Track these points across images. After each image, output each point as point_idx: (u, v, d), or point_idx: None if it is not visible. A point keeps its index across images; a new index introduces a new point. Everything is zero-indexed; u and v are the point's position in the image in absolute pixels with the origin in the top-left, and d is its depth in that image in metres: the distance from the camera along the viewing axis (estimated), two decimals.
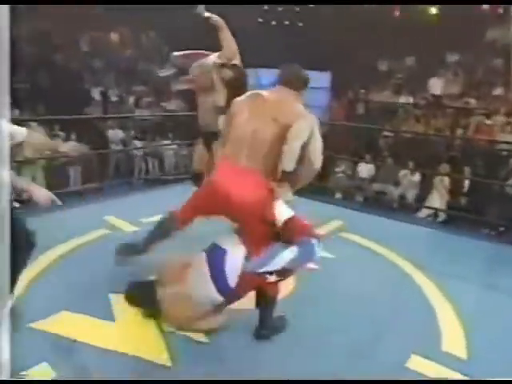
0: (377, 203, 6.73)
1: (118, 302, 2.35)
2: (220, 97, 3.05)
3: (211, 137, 3.29)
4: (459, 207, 6.02)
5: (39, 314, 2.20)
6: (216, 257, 2.02)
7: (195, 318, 2.05)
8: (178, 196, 3.82)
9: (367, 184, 7.14)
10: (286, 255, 1.87)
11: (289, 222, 1.90)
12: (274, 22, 10.00)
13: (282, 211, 1.92)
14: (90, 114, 7.45)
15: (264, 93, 2.11)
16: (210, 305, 2.03)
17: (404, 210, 6.58)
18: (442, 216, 6.26)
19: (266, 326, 2.13)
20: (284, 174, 1.94)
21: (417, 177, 6.70)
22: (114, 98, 8.19)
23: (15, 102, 6.93)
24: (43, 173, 6.27)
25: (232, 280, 1.93)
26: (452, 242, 3.81)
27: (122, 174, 7.10)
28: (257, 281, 1.94)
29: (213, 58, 3.10)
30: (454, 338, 2.25)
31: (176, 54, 3.43)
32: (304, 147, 1.96)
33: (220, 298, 1.99)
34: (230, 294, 1.98)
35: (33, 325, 2.12)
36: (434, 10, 8.79)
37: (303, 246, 1.89)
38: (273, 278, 1.92)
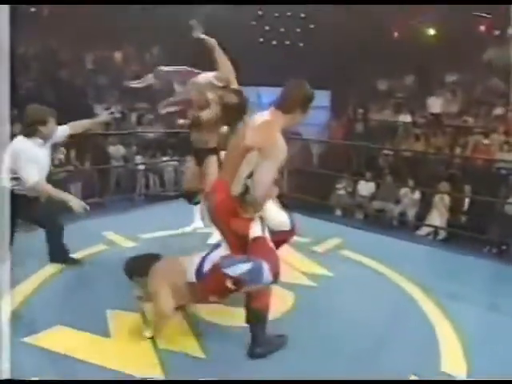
0: (377, 221, 6.73)
1: (114, 318, 2.35)
2: (217, 116, 3.14)
3: (202, 153, 3.39)
4: (459, 225, 6.02)
5: (35, 328, 2.19)
6: (212, 249, 2.26)
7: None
8: (177, 212, 3.88)
9: (367, 202, 7.16)
10: (242, 266, 1.98)
11: (256, 239, 2.07)
12: (274, 42, 10.19)
13: (254, 230, 2.09)
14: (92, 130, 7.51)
15: (257, 116, 2.16)
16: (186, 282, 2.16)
17: (404, 227, 6.58)
18: (442, 234, 6.25)
19: (259, 343, 2.14)
20: (236, 197, 2.03)
21: (417, 195, 6.72)
22: (116, 115, 8.28)
23: (18, 116, 7.03)
24: None
25: (207, 267, 2.13)
26: (452, 260, 3.79)
27: (122, 189, 7.14)
28: (220, 278, 2.03)
29: (206, 77, 3.15)
30: (453, 358, 2.23)
31: (163, 68, 3.45)
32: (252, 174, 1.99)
33: (194, 280, 2.15)
34: (201, 279, 2.13)
35: (27, 339, 2.11)
36: (432, 31, 8.98)
37: (254, 265, 1.98)
38: (229, 283, 2.01)
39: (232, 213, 2.06)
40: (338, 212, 7.25)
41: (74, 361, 2.01)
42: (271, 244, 2.12)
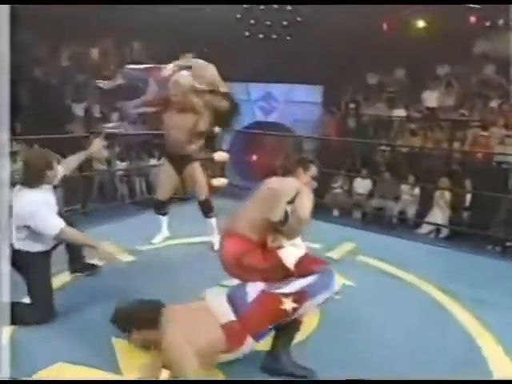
0: (375, 220, 6.61)
1: (122, 347, 2.08)
2: (203, 122, 3.07)
3: (184, 160, 3.28)
4: (461, 222, 5.95)
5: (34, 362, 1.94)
6: (236, 289, 2.03)
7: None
8: (171, 220, 3.63)
9: (365, 200, 7.04)
10: (304, 280, 1.94)
11: (301, 261, 2.08)
12: (261, 36, 9.95)
13: (288, 256, 2.10)
14: (71, 132, 7.15)
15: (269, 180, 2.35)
16: (220, 324, 1.84)
17: (404, 226, 6.49)
18: (444, 232, 6.19)
19: (278, 357, 1.97)
20: (273, 224, 2.15)
21: (416, 191, 6.63)
22: (97, 115, 7.92)
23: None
24: None
25: (250, 296, 1.90)
26: (464, 259, 3.68)
27: (105, 196, 6.80)
28: (272, 302, 1.87)
29: (187, 79, 3.02)
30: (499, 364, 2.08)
31: (130, 67, 3.30)
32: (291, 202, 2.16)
33: (232, 317, 1.85)
34: (245, 312, 1.86)
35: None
36: (422, 23, 8.92)
37: (322, 273, 1.96)
38: (288, 302, 1.86)
39: (258, 258, 2.13)
40: (335, 212, 7.12)
41: None
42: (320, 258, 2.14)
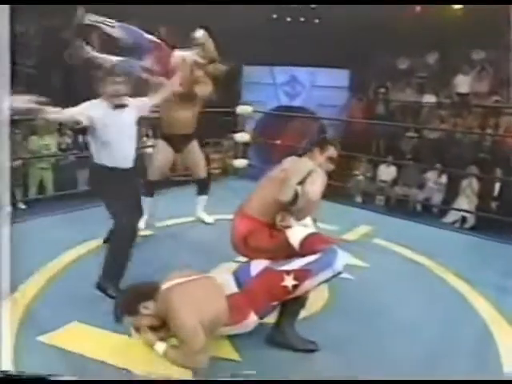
0: (399, 207, 6.49)
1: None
2: (208, 88, 3.16)
3: (182, 139, 3.27)
4: (489, 212, 5.76)
5: (48, 324, 2.05)
6: (242, 265, 2.13)
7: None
8: (189, 198, 3.70)
9: (389, 187, 6.92)
10: (306, 258, 1.96)
11: (306, 240, 2.06)
12: (288, 19, 9.81)
13: (295, 234, 2.09)
14: None
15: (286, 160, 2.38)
16: (223, 295, 1.92)
17: (429, 215, 6.34)
18: (469, 222, 6.01)
19: (283, 331, 2.02)
20: (282, 204, 2.15)
21: (443, 179, 6.46)
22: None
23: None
24: (52, 174, 6.17)
25: (253, 271, 1.98)
26: (489, 247, 3.56)
27: None
28: (274, 278, 1.93)
29: (190, 55, 3.09)
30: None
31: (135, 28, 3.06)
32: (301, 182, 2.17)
33: (235, 289, 1.94)
34: (247, 285, 1.94)
35: (42, 338, 1.96)
36: (457, 4, 8.54)
37: (325, 253, 1.96)
38: (289, 279, 1.90)
39: (264, 237, 2.15)
40: (358, 198, 7.04)
41: (91, 361, 1.85)
42: (329, 237, 2.14)
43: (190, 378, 1.78)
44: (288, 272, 1.91)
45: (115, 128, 2.38)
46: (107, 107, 2.38)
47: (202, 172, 3.48)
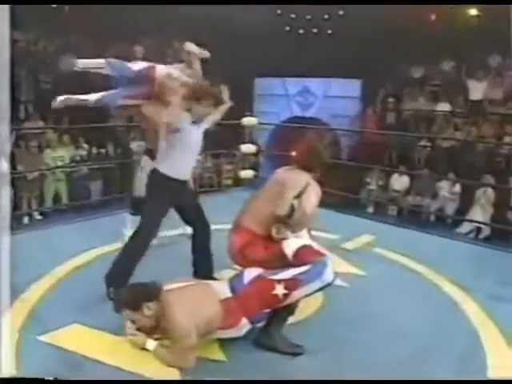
0: (412, 218, 6.49)
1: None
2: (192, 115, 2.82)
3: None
4: (505, 222, 5.70)
5: (50, 326, 2.20)
6: (237, 273, 2.24)
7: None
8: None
9: (401, 197, 6.92)
10: (297, 269, 2.05)
11: (299, 251, 2.15)
12: (301, 31, 10.00)
13: (290, 245, 2.18)
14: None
15: (278, 171, 2.47)
16: (217, 299, 2.04)
17: (442, 225, 6.31)
18: (485, 232, 5.96)
19: (270, 333, 2.10)
20: (278, 217, 2.23)
21: (457, 188, 6.43)
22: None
23: (40, 114, 7.22)
24: (66, 186, 6.47)
25: (246, 278, 2.09)
26: (498, 259, 3.55)
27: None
28: (265, 286, 2.03)
29: (179, 75, 2.96)
30: (501, 365, 2.06)
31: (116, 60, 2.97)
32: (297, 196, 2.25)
33: (229, 294, 2.06)
34: (240, 291, 2.06)
35: (42, 337, 2.11)
36: (473, 11, 8.54)
37: (314, 263, 2.05)
38: (280, 288, 2.00)
39: (260, 249, 2.23)
40: (370, 209, 7.06)
41: (89, 361, 1.99)
42: (322, 249, 2.19)
43: (189, 379, 1.88)
44: (279, 281, 2.02)
45: (188, 141, 2.57)
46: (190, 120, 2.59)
47: None
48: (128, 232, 3.14)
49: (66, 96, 2.87)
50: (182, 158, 2.59)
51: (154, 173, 2.61)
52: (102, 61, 2.93)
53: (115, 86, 2.93)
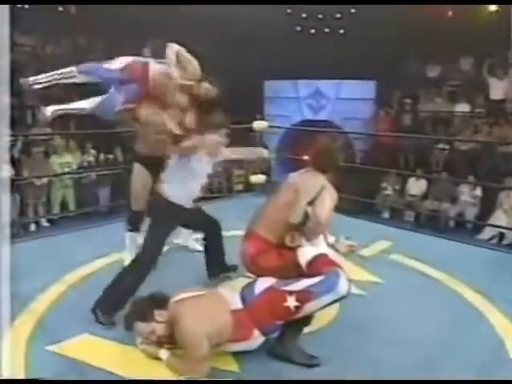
0: (429, 223, 6.42)
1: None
2: (189, 118, 2.70)
3: (159, 163, 2.82)
4: None
5: (59, 335, 2.22)
6: (249, 283, 2.21)
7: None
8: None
9: (418, 201, 6.85)
10: (309, 280, 2.03)
11: (313, 261, 2.14)
12: (312, 31, 10.02)
13: (304, 254, 2.17)
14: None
15: (292, 176, 2.45)
16: (228, 310, 2.03)
17: (462, 231, 6.23)
18: (508, 237, 5.86)
19: (285, 343, 2.08)
20: (292, 225, 2.21)
21: (478, 192, 6.34)
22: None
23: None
24: (73, 192, 6.55)
25: (258, 289, 2.08)
26: None
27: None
28: (276, 298, 2.02)
29: (173, 75, 2.68)
30: None
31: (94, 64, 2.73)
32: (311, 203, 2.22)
33: (240, 305, 2.06)
34: (251, 303, 2.05)
35: (51, 348, 2.13)
36: (493, 6, 8.46)
37: (327, 275, 2.03)
38: (292, 301, 1.98)
39: (273, 258, 2.23)
40: (385, 214, 7.00)
41: (99, 371, 2.00)
42: (337, 258, 2.19)
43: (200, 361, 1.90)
44: (290, 293, 1.99)
45: (200, 166, 2.55)
46: None
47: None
48: (126, 254, 3.00)
49: (55, 107, 2.64)
50: (191, 184, 2.53)
51: (159, 198, 2.52)
52: (69, 69, 2.64)
53: (105, 91, 2.67)
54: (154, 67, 2.71)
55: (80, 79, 2.65)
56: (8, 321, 1.97)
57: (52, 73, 2.65)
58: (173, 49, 2.66)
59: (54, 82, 2.65)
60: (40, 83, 2.64)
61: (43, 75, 2.65)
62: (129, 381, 1.93)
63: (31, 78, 2.64)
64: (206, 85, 2.64)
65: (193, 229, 2.90)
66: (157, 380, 1.93)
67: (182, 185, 2.51)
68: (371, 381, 1.92)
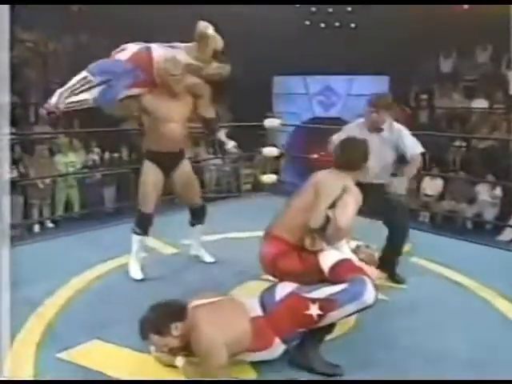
0: (446, 224, 6.33)
1: None
2: (208, 107, 2.79)
3: (171, 159, 2.86)
4: None
5: (69, 341, 2.19)
6: (269, 288, 2.16)
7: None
8: (220, 216, 3.81)
9: (434, 202, 6.77)
10: (333, 287, 1.97)
11: (336, 266, 2.08)
12: (323, 25, 9.96)
13: (327, 259, 2.12)
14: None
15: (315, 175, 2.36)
16: (247, 317, 1.99)
17: (481, 232, 6.14)
18: None
19: (305, 352, 2.02)
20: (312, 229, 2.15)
21: (498, 192, 6.25)
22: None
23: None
24: (78, 193, 6.54)
25: (278, 295, 2.03)
26: None
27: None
28: (298, 305, 1.97)
29: (184, 57, 2.70)
30: None
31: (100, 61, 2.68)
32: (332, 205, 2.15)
33: (259, 312, 2.01)
34: (272, 309, 2.01)
35: (61, 355, 2.11)
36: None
37: (353, 282, 1.96)
38: (314, 309, 1.93)
39: (294, 261, 2.17)
40: None
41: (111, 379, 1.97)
42: (361, 264, 2.14)
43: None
44: (313, 300, 1.94)
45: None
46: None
47: (197, 198, 3.10)
48: (133, 262, 2.91)
49: (57, 99, 2.54)
50: None
51: None
52: (83, 75, 2.58)
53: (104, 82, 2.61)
54: (159, 52, 2.68)
55: (96, 81, 2.57)
56: (8, 322, 1.94)
57: (66, 87, 2.57)
58: (203, 24, 2.68)
59: (74, 97, 2.56)
60: (58, 107, 2.53)
61: (58, 94, 2.54)
62: (129, 381, 1.91)
63: (50, 102, 2.53)
64: (217, 64, 2.64)
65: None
66: (157, 380, 1.91)
67: None
68: (371, 381, 1.90)
